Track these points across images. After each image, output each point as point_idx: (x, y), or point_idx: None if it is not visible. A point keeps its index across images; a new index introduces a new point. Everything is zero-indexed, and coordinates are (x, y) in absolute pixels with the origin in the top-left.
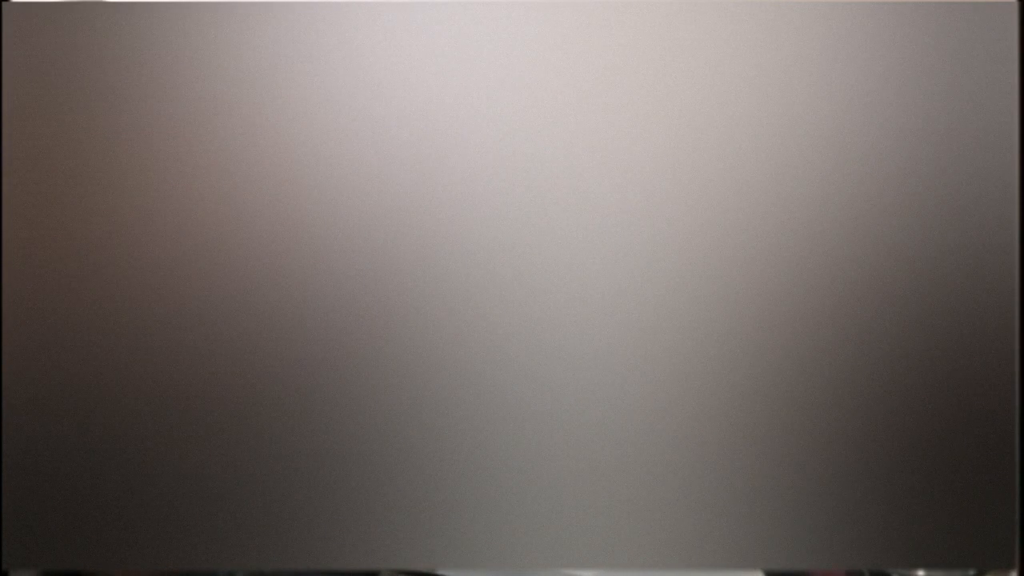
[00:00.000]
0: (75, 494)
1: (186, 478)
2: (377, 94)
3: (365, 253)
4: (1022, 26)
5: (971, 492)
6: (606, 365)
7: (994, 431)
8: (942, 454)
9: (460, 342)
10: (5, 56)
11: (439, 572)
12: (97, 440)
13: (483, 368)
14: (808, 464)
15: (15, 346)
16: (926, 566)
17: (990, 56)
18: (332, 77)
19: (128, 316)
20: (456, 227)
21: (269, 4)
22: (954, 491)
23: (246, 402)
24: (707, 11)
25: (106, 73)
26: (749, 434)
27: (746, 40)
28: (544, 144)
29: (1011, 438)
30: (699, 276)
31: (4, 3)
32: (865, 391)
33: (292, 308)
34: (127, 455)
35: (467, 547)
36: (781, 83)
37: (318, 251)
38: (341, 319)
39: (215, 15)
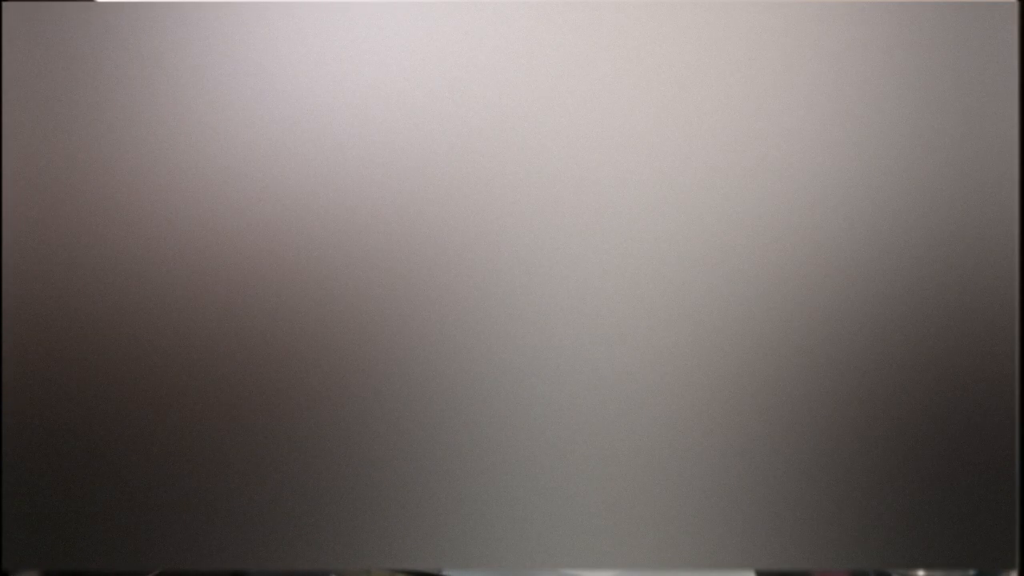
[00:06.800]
0: (75, 494)
1: (186, 479)
2: (379, 94)
3: (368, 254)
4: (1022, 26)
5: (971, 492)
6: (604, 367)
7: (994, 431)
8: (943, 454)
9: (462, 343)
10: (5, 56)
11: (440, 572)
12: (97, 441)
13: (483, 370)
14: (808, 465)
15: (15, 346)
16: (926, 566)
17: (990, 56)
18: (334, 77)
19: (129, 316)
20: (460, 228)
21: (269, 4)
22: (954, 491)
23: (247, 403)
24: (707, 12)
25: (106, 73)
26: (749, 435)
27: (746, 41)
28: (545, 144)
29: (1011, 438)
30: (698, 277)
31: (4, 3)
32: (865, 391)
33: (293, 308)
34: (127, 456)
35: (467, 547)
36: (781, 83)
37: (320, 251)
38: (343, 319)
39: (214, 15)
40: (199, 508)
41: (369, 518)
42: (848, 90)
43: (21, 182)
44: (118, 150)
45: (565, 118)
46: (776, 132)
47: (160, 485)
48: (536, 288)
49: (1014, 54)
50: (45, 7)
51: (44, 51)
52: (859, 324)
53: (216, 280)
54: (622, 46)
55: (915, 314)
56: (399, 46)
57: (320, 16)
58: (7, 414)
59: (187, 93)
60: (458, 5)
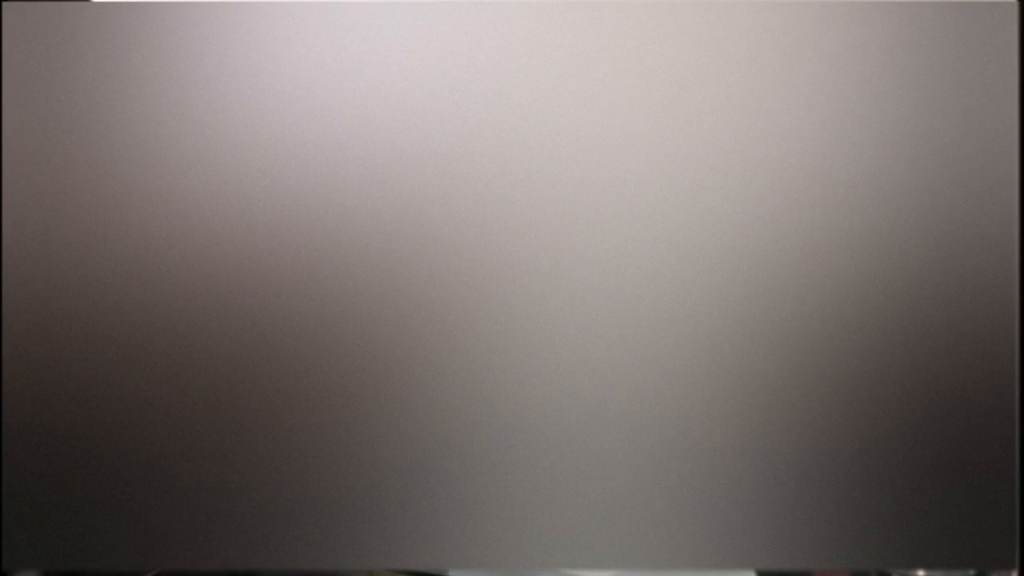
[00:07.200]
0: (75, 494)
1: (186, 479)
2: (379, 94)
3: (369, 254)
4: (1022, 26)
5: (971, 492)
6: (604, 367)
7: (994, 431)
8: (942, 454)
9: (463, 343)
10: (5, 56)
11: (440, 572)
12: (97, 441)
13: (484, 370)
14: (808, 465)
15: (15, 346)
16: (926, 566)
17: (990, 56)
18: (334, 77)
19: (129, 316)
20: (461, 229)
21: (268, 4)
22: (954, 491)
23: (247, 403)
24: (707, 12)
25: (106, 73)
26: (749, 434)
27: (746, 41)
28: (545, 144)
29: (1011, 438)
30: (698, 276)
31: (4, 3)
32: (865, 391)
33: (293, 308)
34: (127, 456)
35: (467, 547)
36: (781, 83)
37: (321, 251)
38: (343, 320)
39: (214, 15)
40: (199, 508)
41: (371, 518)
42: (848, 90)
43: (21, 182)
44: (118, 150)
45: (565, 118)
46: (776, 132)
47: (160, 485)
48: (536, 288)
49: (1014, 54)
50: (45, 7)
51: (44, 51)
52: (859, 324)
53: (216, 280)
54: (622, 46)
55: (915, 314)
56: (399, 46)
57: (320, 16)
58: (7, 414)
59: (187, 93)
60: (458, 5)
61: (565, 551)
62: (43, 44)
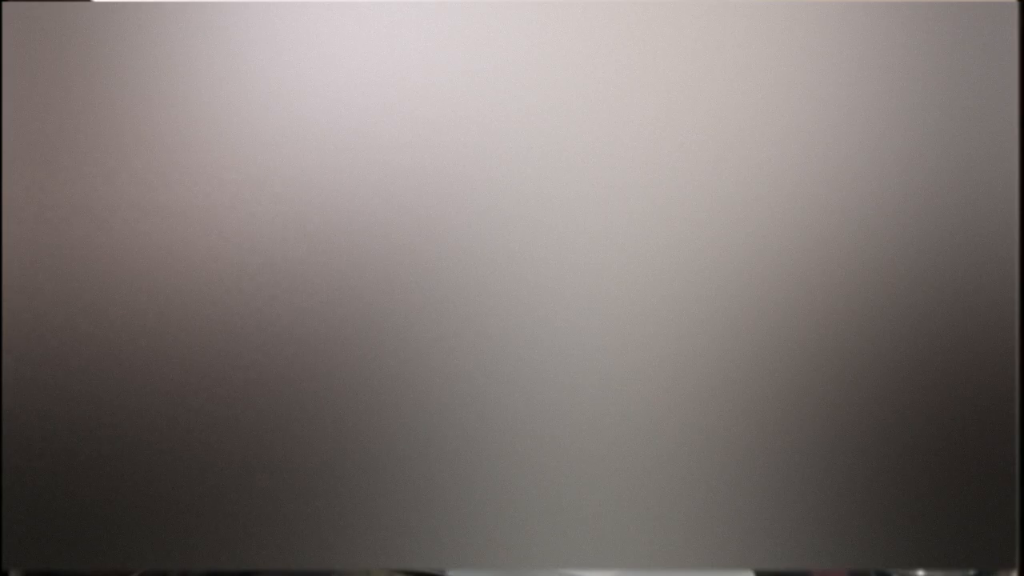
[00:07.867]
0: (75, 494)
1: (186, 479)
2: (379, 95)
3: (369, 255)
4: (1022, 26)
5: (971, 492)
6: (604, 367)
7: (994, 431)
8: (942, 454)
9: (463, 343)
10: (5, 56)
11: (440, 572)
12: (96, 441)
13: (484, 370)
14: (808, 465)
15: (15, 347)
16: (926, 566)
17: (990, 56)
18: (335, 77)
19: (128, 318)
20: (459, 228)
21: (269, 4)
22: (954, 491)
23: (247, 403)
24: (707, 12)
25: (106, 73)
26: (749, 435)
27: (746, 41)
28: (546, 144)
29: (1011, 438)
30: (698, 276)
31: (4, 3)
32: (865, 391)
33: (293, 307)
34: (127, 456)
35: (466, 547)
36: (781, 83)
37: (321, 252)
38: (344, 320)
39: (215, 15)
40: (199, 508)
41: (369, 518)
42: (848, 90)
43: (21, 182)
44: (117, 150)
45: (565, 118)
46: (776, 132)
47: (161, 485)
48: (537, 288)
49: (1014, 54)
50: (45, 7)
51: (44, 51)
52: (859, 324)
53: (217, 280)
54: (622, 46)
55: (915, 314)
56: (400, 46)
57: (321, 16)
58: (7, 414)
59: (187, 93)
60: (458, 5)
61: (565, 551)
62: (43, 44)
